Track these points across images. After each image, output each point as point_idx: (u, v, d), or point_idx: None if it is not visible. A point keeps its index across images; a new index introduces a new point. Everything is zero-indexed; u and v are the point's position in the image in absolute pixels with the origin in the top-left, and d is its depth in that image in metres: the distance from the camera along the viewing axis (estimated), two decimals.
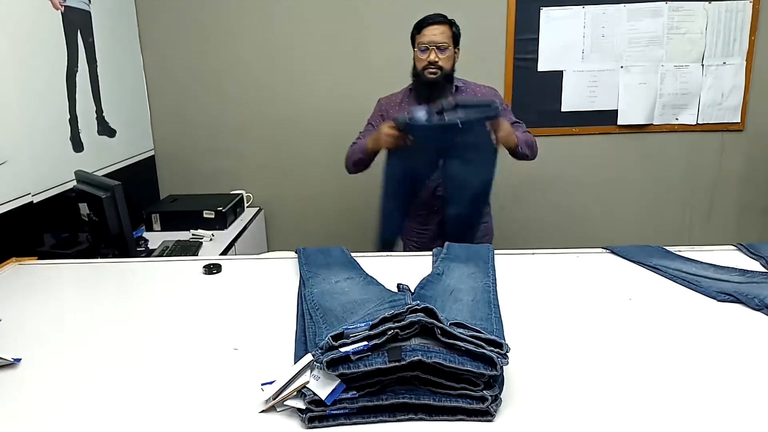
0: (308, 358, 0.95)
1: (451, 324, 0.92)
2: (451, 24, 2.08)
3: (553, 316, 1.27)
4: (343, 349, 0.88)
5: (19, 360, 1.11)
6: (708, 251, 1.62)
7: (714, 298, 1.32)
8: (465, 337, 0.89)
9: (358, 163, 2.17)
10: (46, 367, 1.10)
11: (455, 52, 2.10)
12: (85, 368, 1.09)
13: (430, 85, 2.07)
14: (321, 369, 0.90)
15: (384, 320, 0.91)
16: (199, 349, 1.15)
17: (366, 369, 0.88)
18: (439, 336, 0.90)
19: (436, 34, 2.04)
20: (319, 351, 0.93)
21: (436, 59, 2.03)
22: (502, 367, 0.89)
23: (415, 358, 0.87)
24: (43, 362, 1.12)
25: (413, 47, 2.11)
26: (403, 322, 0.90)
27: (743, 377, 1.00)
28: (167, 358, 1.12)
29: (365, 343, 0.88)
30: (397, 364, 0.87)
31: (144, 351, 1.16)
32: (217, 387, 1.01)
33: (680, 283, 1.42)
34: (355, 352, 0.88)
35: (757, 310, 1.25)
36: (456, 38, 2.10)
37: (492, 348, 0.89)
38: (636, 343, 1.13)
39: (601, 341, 1.15)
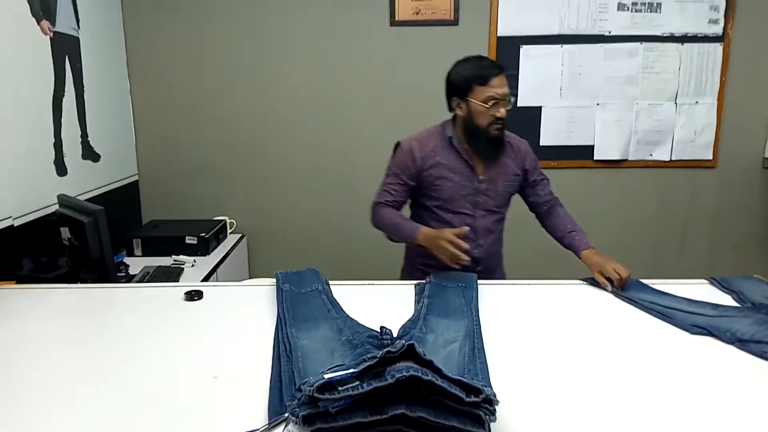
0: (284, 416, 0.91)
1: (441, 377, 0.87)
2: None
3: (531, 348, 1.29)
4: (321, 404, 0.84)
5: None
6: (682, 284, 1.67)
7: (687, 331, 1.36)
8: (451, 392, 0.85)
9: (388, 235, 1.86)
10: (23, 392, 1.09)
11: None
12: (62, 394, 1.08)
13: (496, 141, 1.79)
14: (296, 423, 0.85)
15: (368, 369, 0.87)
16: (178, 376, 1.15)
17: (345, 423, 0.83)
18: (424, 392, 0.86)
19: (504, 85, 1.74)
20: (295, 402, 0.89)
21: (504, 114, 1.75)
22: (489, 425, 0.86)
23: (398, 411, 0.84)
24: (20, 387, 1.11)
25: (461, 96, 1.77)
26: (388, 382, 0.85)
27: (715, 408, 1.03)
28: (147, 385, 1.12)
29: (347, 397, 0.84)
30: (378, 417, 0.84)
31: (123, 377, 1.15)
32: (197, 416, 1.01)
33: (655, 316, 1.46)
34: (334, 407, 0.84)
35: (729, 343, 1.30)
36: None
37: (479, 402, 0.85)
38: (612, 375, 1.16)
39: (578, 373, 1.17)
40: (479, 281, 1.63)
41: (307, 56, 3.05)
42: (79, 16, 2.56)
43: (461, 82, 1.77)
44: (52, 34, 2.34)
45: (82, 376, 1.16)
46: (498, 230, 1.92)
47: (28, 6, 2.19)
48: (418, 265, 1.90)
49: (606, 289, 1.62)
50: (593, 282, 1.69)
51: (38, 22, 2.25)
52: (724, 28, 3.01)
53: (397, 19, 2.99)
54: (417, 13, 2.99)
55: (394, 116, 3.08)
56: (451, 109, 1.84)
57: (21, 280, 1.82)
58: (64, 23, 2.44)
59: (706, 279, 1.72)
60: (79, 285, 1.81)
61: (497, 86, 1.72)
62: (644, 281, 1.67)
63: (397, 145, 1.89)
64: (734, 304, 1.54)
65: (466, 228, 1.68)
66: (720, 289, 1.65)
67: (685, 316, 1.43)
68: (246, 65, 3.06)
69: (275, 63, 3.06)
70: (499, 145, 1.82)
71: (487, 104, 1.72)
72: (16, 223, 2.07)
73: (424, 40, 3.02)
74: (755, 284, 1.65)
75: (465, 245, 1.62)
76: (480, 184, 1.82)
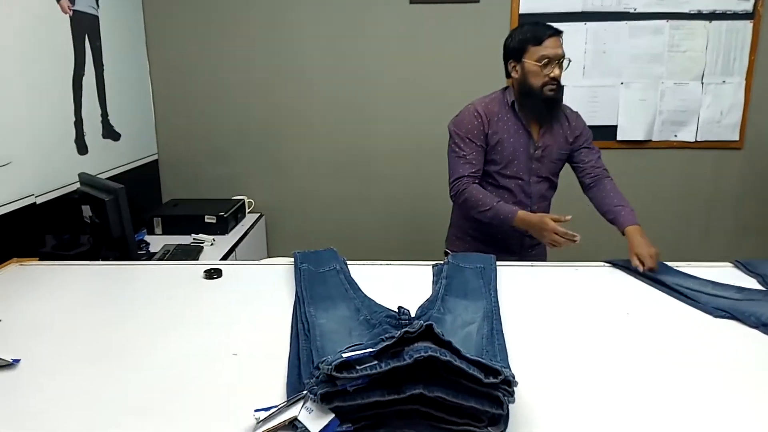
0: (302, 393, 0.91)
1: (459, 357, 0.86)
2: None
3: (550, 330, 1.27)
4: (339, 383, 0.84)
5: (18, 361, 1.11)
6: (706, 267, 1.63)
7: (711, 314, 1.34)
8: (470, 373, 0.84)
9: (477, 214, 1.88)
10: (45, 369, 1.10)
11: None
12: (83, 370, 1.10)
13: (552, 102, 1.83)
14: (314, 401, 0.86)
15: (386, 349, 0.87)
16: (198, 353, 1.16)
17: (363, 402, 0.84)
18: (442, 373, 0.86)
19: (558, 46, 1.78)
20: (313, 380, 0.89)
21: (559, 75, 1.78)
22: (507, 405, 0.86)
23: (416, 391, 0.84)
24: (42, 363, 1.12)
25: (516, 59, 1.82)
26: (406, 361, 0.85)
27: (738, 392, 1.01)
28: (166, 362, 1.12)
29: (365, 377, 0.84)
30: (396, 396, 0.84)
31: (143, 354, 1.16)
32: (216, 392, 1.02)
33: (678, 298, 1.43)
34: (352, 385, 0.84)
35: (754, 327, 1.27)
36: None
37: (498, 383, 0.84)
38: (633, 358, 1.14)
39: (598, 356, 1.15)
40: (498, 262, 1.62)
41: (325, 36, 3.02)
42: None
43: (516, 44, 1.82)
44: (71, 13, 2.34)
45: (102, 352, 1.17)
46: (549, 197, 2.00)
47: None
48: (468, 230, 1.99)
49: (637, 270, 1.59)
50: (615, 264, 1.67)
51: (58, 0, 2.26)
52: (755, 5, 2.91)
53: None
54: None
55: (414, 96, 3.05)
56: (508, 75, 1.89)
57: (44, 257, 1.85)
58: (84, 1, 2.44)
59: (731, 262, 1.68)
60: (100, 262, 1.83)
61: (551, 47, 1.76)
62: (668, 263, 1.64)
63: (452, 126, 1.92)
64: (759, 287, 1.50)
65: (569, 216, 1.73)
66: (745, 272, 1.61)
67: (708, 299, 1.41)
68: (264, 46, 3.05)
69: (293, 44, 3.04)
70: (554, 107, 1.85)
71: (540, 63, 1.76)
72: (39, 200, 2.10)
73: (444, 18, 2.98)
74: None
75: (571, 233, 1.68)
76: (535, 151, 1.88)
